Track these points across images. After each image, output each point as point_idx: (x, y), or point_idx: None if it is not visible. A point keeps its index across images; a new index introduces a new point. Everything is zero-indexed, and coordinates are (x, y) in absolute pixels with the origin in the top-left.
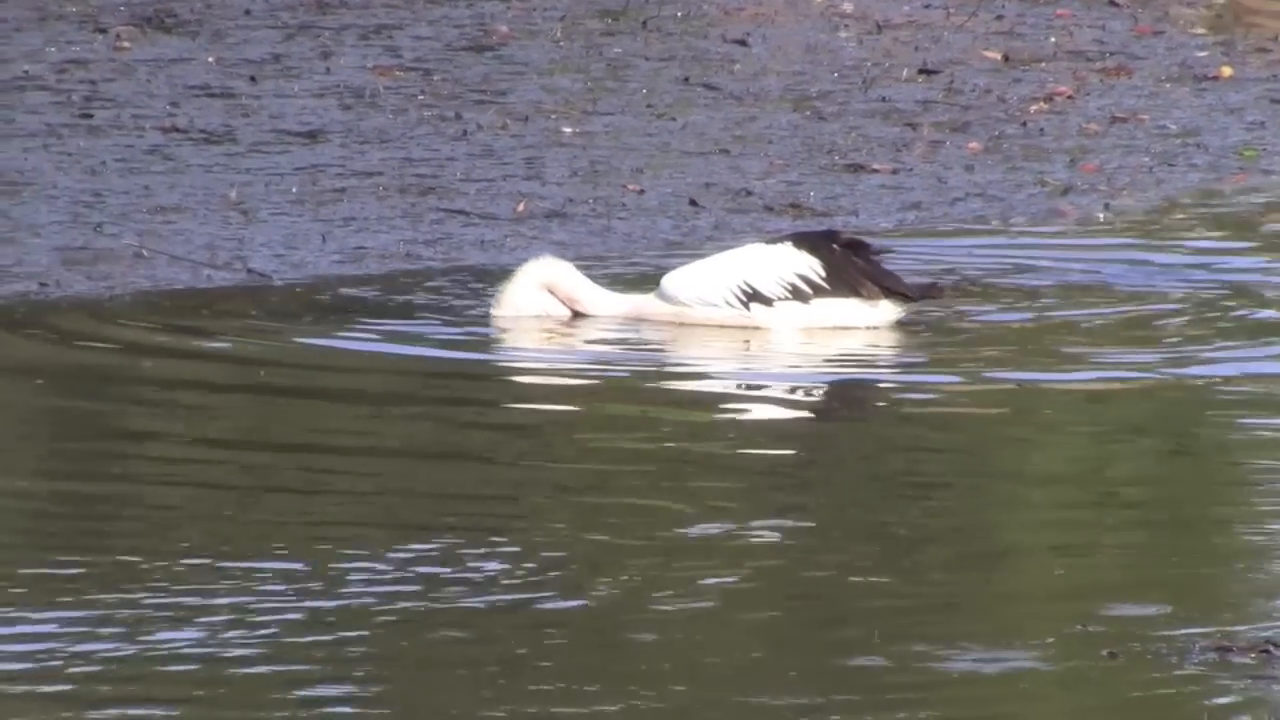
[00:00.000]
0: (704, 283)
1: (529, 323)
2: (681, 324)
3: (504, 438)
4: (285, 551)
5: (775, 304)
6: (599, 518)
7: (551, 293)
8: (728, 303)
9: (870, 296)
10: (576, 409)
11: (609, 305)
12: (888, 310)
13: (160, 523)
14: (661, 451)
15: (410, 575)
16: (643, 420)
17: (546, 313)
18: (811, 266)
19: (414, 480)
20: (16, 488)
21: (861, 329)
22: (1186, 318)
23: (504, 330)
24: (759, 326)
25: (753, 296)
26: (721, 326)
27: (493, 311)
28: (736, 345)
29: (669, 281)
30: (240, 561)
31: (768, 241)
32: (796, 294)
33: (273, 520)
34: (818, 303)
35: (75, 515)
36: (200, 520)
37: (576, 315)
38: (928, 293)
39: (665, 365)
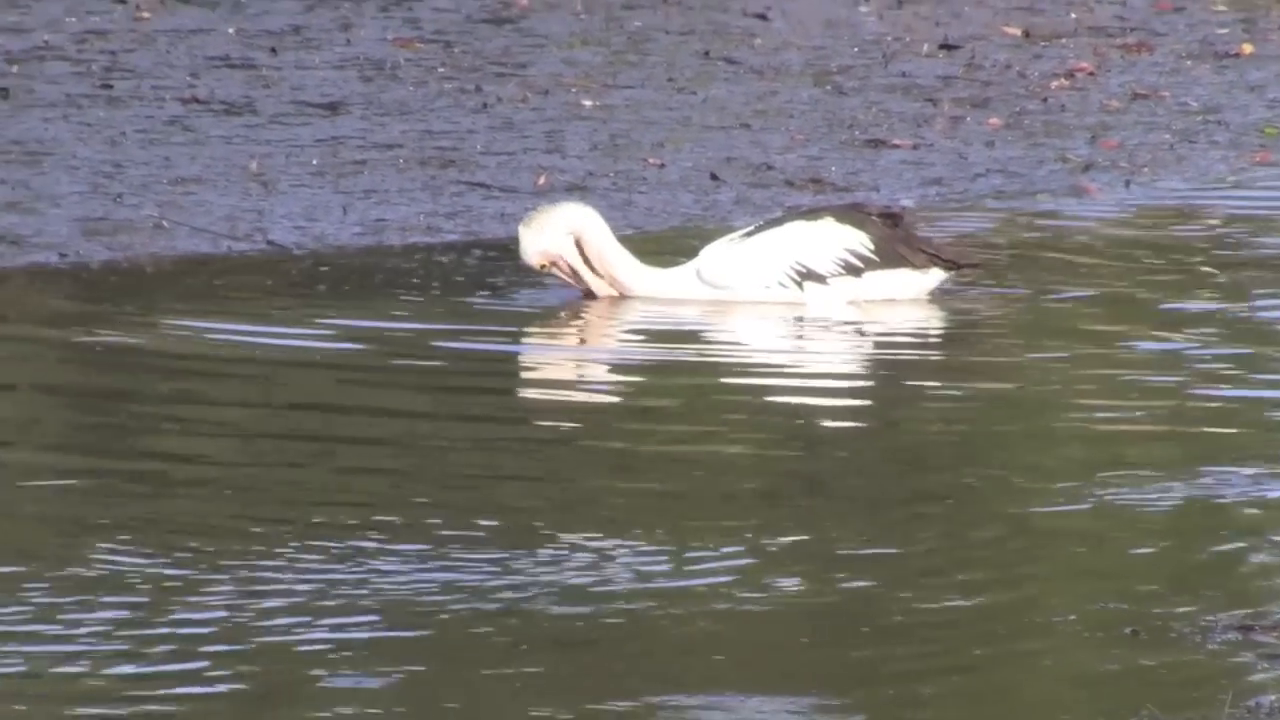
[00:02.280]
0: (754, 264)
1: (569, 305)
2: (723, 305)
3: (528, 429)
4: (318, 535)
5: (829, 280)
6: (619, 515)
7: (578, 244)
8: (781, 284)
9: (920, 265)
10: (621, 401)
11: (644, 283)
12: (936, 278)
13: (186, 499)
14: (699, 450)
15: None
16: (692, 414)
17: (557, 259)
18: (860, 240)
19: (448, 466)
20: (39, 463)
21: (908, 300)
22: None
23: (535, 308)
24: (807, 304)
25: (806, 275)
26: (768, 306)
27: (520, 228)
28: (787, 327)
29: (712, 263)
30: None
31: (806, 217)
32: (849, 269)
33: (303, 501)
34: (869, 276)
35: (99, 492)
36: (232, 498)
37: (596, 277)
38: (969, 259)
39: (718, 355)
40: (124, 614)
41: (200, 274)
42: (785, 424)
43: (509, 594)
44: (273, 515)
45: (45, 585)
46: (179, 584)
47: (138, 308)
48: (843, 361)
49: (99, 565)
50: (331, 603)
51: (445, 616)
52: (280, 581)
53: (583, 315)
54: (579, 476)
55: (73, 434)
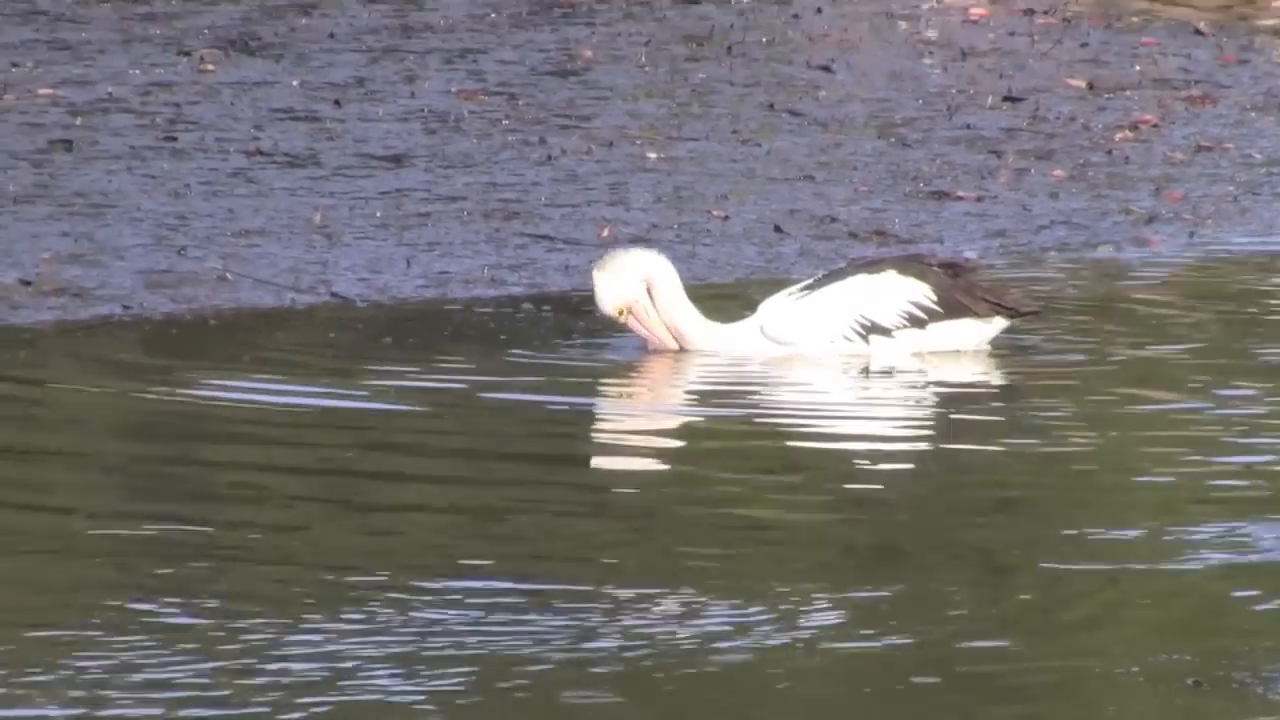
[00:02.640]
0: (818, 319)
1: (632, 361)
2: (787, 360)
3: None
4: (383, 589)
5: (893, 333)
6: (673, 575)
7: (648, 290)
8: (846, 338)
9: (983, 314)
10: (689, 460)
11: (707, 337)
12: (998, 326)
13: (260, 558)
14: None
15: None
16: (761, 472)
17: (633, 305)
18: (922, 291)
19: (523, 526)
20: (105, 525)
21: (972, 351)
22: None
23: (599, 364)
24: (872, 357)
25: (871, 329)
26: (832, 359)
27: (595, 273)
28: (853, 383)
29: (775, 318)
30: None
31: (868, 269)
32: (913, 321)
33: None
34: (933, 327)
35: (160, 553)
36: (307, 556)
37: (662, 328)
38: (1030, 306)
39: (783, 413)
40: (212, 672)
41: (264, 328)
42: (854, 482)
43: (600, 652)
44: (352, 574)
45: (126, 643)
46: (264, 641)
47: (202, 364)
48: (911, 419)
49: (177, 625)
50: (424, 660)
51: (540, 671)
52: (368, 637)
53: (646, 372)
54: (652, 536)
55: (139, 495)
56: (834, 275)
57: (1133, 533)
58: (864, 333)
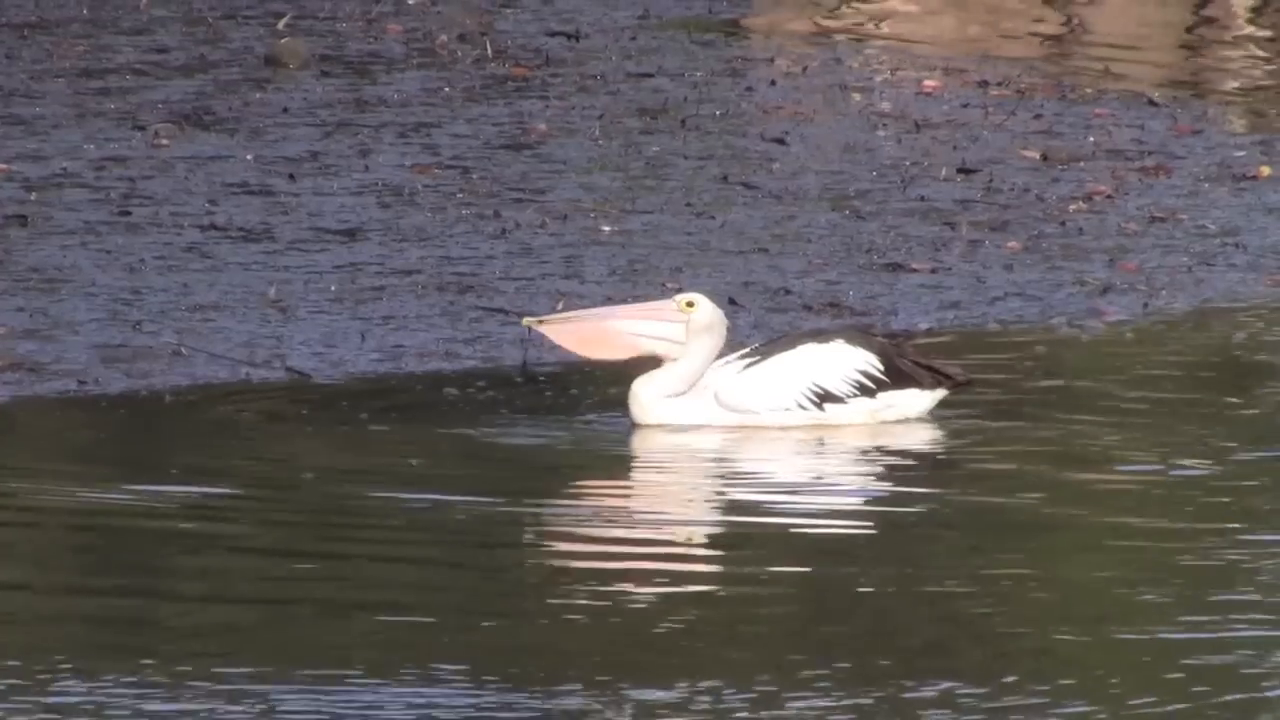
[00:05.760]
0: (772, 388)
1: (585, 436)
2: (741, 430)
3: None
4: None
5: (846, 401)
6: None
7: (686, 331)
8: (800, 406)
9: (929, 385)
10: (646, 550)
11: (658, 407)
12: (939, 395)
13: (194, 643)
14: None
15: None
16: (730, 555)
17: (688, 318)
18: (869, 361)
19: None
20: (50, 604)
21: (922, 420)
22: None
23: (557, 441)
24: (826, 425)
25: (824, 397)
26: (787, 429)
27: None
28: (811, 453)
29: (730, 390)
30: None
31: (817, 339)
32: (863, 390)
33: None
34: (882, 395)
35: (104, 629)
36: (241, 649)
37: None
38: (968, 376)
39: (742, 489)
40: None
41: (220, 403)
42: (806, 557)
43: None
44: (312, 669)
45: None
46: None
47: (155, 445)
48: (866, 489)
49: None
50: None
51: None
52: None
53: (594, 448)
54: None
55: (83, 571)
56: (780, 344)
57: (1083, 612)
58: (818, 401)
